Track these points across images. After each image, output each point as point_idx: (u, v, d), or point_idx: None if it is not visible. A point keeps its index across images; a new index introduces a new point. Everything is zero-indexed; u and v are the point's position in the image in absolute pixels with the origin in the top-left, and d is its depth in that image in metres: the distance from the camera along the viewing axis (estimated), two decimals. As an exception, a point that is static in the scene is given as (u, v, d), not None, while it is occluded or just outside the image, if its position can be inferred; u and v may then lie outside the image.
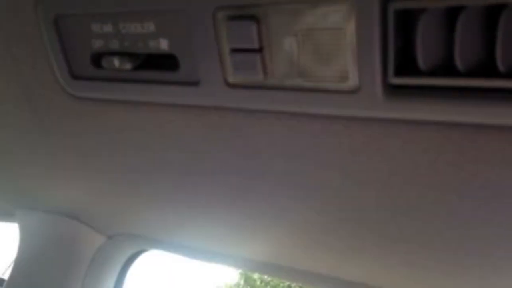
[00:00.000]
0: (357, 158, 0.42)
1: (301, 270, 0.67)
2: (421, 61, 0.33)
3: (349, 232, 0.52)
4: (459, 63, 0.32)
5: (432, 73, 0.33)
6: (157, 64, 0.44)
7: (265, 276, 7.15)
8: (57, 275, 0.80)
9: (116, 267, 0.86)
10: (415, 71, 0.34)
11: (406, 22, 0.33)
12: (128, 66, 0.44)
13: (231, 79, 0.40)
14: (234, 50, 0.39)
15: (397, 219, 0.46)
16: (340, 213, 0.49)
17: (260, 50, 0.38)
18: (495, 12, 0.31)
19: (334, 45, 0.35)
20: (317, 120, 0.40)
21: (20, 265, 0.82)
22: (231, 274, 8.22)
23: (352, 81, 0.36)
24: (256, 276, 7.59)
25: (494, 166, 0.37)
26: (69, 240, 0.80)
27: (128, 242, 0.82)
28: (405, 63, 0.34)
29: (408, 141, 0.38)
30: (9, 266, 0.91)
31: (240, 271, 7.56)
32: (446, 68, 0.33)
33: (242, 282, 8.10)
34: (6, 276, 0.91)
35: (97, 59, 0.46)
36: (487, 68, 0.32)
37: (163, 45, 0.42)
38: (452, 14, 0.32)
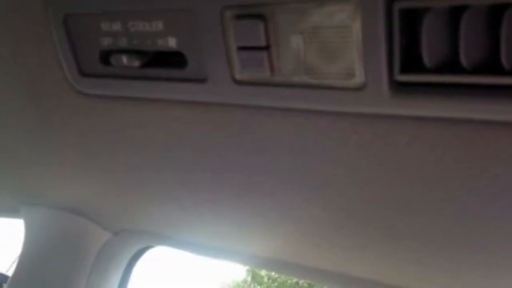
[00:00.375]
0: (363, 154, 0.43)
1: (308, 266, 0.68)
2: (427, 59, 0.34)
3: (355, 228, 0.53)
4: (464, 61, 0.33)
5: (437, 70, 0.34)
6: (165, 62, 0.45)
7: (273, 273, 7.16)
8: (62, 271, 0.81)
9: (122, 263, 0.86)
10: (421, 68, 0.34)
11: (411, 19, 0.34)
12: (136, 63, 0.45)
13: (238, 76, 0.42)
14: (241, 48, 0.40)
15: (403, 216, 0.47)
16: (346, 210, 0.50)
17: (267, 48, 0.39)
18: (498, 11, 0.31)
19: (340, 43, 0.36)
20: (323, 117, 0.41)
21: (25, 261, 0.83)
22: (238, 270, 8.24)
23: (358, 78, 0.37)
24: (263, 273, 7.59)
25: (502, 162, 0.37)
26: (75, 236, 0.81)
27: (134, 238, 0.83)
28: (411, 60, 0.35)
29: (415, 138, 0.39)
30: (13, 263, 0.91)
31: (247, 267, 7.57)
32: (452, 65, 0.34)
33: (249, 279, 8.10)
34: (10, 273, 0.92)
35: (105, 56, 0.47)
36: (492, 64, 0.33)
37: (171, 43, 0.43)
38: (456, 13, 0.32)
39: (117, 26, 0.44)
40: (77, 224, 0.80)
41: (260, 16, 0.38)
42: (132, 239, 0.83)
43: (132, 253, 0.87)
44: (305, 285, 7.07)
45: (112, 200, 0.72)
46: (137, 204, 0.70)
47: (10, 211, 0.91)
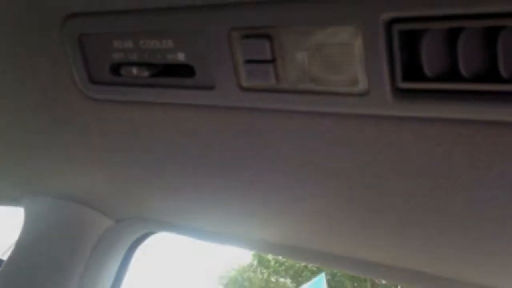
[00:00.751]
0: (369, 150, 0.46)
1: (316, 250, 0.70)
2: (427, 70, 0.37)
3: (364, 215, 0.55)
4: (463, 72, 0.36)
5: (438, 78, 0.37)
6: (174, 71, 0.48)
7: (280, 257, 7.21)
8: (60, 256, 0.81)
9: (122, 248, 0.86)
10: (423, 76, 0.37)
11: (411, 35, 0.37)
12: (146, 74, 0.48)
13: (244, 84, 0.45)
14: (248, 61, 0.43)
15: (412, 204, 0.50)
16: (355, 199, 0.53)
17: (273, 61, 0.42)
18: (494, 30, 0.34)
19: (343, 57, 0.40)
20: (328, 118, 0.44)
21: (22, 245, 0.84)
22: (244, 254, 8.29)
23: (362, 85, 0.40)
24: (270, 257, 7.64)
25: (507, 159, 0.40)
26: (76, 223, 0.81)
27: (137, 224, 0.83)
28: (413, 68, 0.38)
29: (421, 136, 0.42)
30: (9, 248, 0.91)
31: (253, 252, 7.61)
32: (452, 74, 0.36)
33: (255, 263, 8.16)
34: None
35: (116, 68, 0.51)
36: (491, 73, 0.35)
37: (180, 57, 0.47)
38: (454, 32, 0.35)
39: (128, 44, 0.48)
40: (78, 211, 0.81)
41: (266, 36, 0.42)
42: (134, 225, 0.84)
43: (134, 238, 0.87)
44: (314, 268, 7.13)
45: (116, 189, 0.74)
46: (142, 193, 0.72)
47: (11, 200, 0.92)
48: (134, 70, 0.49)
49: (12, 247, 0.86)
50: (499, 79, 0.35)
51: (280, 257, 7.22)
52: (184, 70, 0.47)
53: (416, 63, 0.37)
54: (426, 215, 0.51)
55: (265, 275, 8.17)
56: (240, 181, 0.58)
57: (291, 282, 7.93)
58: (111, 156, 0.65)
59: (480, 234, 0.50)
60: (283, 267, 7.97)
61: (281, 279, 8.23)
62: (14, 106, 0.64)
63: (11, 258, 0.85)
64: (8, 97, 0.63)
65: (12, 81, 0.60)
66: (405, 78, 0.38)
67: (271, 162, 0.53)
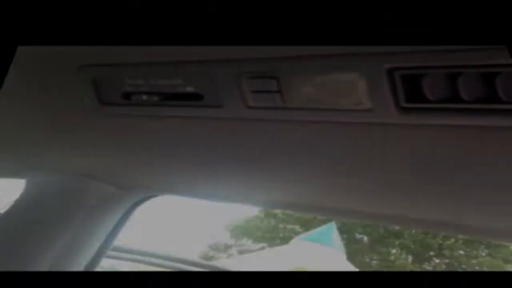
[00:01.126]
0: (374, 147, 0.50)
1: (322, 206, 0.72)
2: (429, 96, 0.40)
3: (373, 175, 0.58)
4: (464, 97, 0.39)
5: (440, 100, 0.40)
6: (182, 97, 0.52)
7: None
8: (57, 214, 0.85)
9: (121, 209, 0.89)
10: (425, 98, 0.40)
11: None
12: (155, 99, 0.52)
13: (251, 104, 0.49)
14: (255, 91, 0.47)
15: (412, 184, 0.56)
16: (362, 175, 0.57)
17: (279, 91, 0.46)
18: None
19: (347, 89, 0.43)
20: (334, 124, 0.48)
21: (20, 204, 0.88)
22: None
23: (367, 105, 0.43)
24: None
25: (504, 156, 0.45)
26: (75, 191, 0.84)
27: (138, 189, 0.87)
28: (416, 91, 0.41)
29: (425, 136, 0.46)
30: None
31: (259, 204, 7.69)
32: (453, 96, 0.40)
33: (262, 215, 8.28)
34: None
35: (127, 96, 0.54)
36: (491, 96, 0.38)
37: (189, 90, 0.51)
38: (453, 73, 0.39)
39: (139, 81, 0.52)
40: (80, 181, 0.83)
41: (273, 77, 0.45)
42: (135, 191, 0.87)
43: (134, 201, 0.90)
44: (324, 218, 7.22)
45: (117, 162, 0.76)
46: (143, 163, 0.74)
47: (13, 173, 0.94)
48: (145, 97, 0.53)
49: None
50: (498, 101, 0.38)
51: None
52: (192, 95, 0.51)
53: (418, 89, 0.40)
54: (432, 184, 0.55)
55: (273, 223, 8.30)
56: (247, 157, 0.62)
57: (300, 228, 8.04)
58: (113, 142, 0.69)
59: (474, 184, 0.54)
60: (291, 218, 8.07)
61: (290, 226, 8.36)
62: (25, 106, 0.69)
63: (7, 212, 0.88)
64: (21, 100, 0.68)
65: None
66: (408, 100, 0.41)
67: (275, 156, 0.57)
